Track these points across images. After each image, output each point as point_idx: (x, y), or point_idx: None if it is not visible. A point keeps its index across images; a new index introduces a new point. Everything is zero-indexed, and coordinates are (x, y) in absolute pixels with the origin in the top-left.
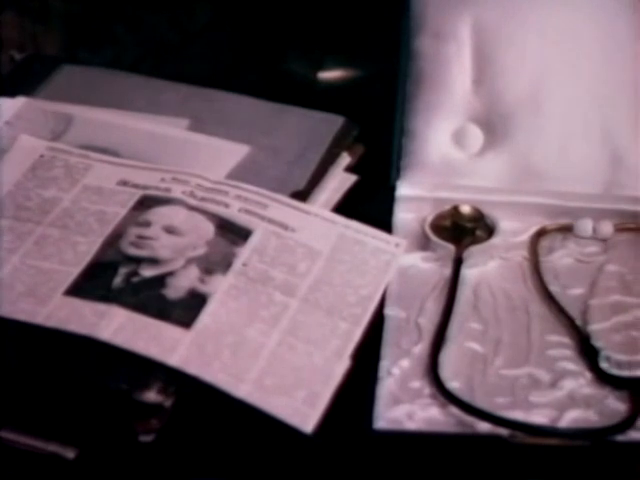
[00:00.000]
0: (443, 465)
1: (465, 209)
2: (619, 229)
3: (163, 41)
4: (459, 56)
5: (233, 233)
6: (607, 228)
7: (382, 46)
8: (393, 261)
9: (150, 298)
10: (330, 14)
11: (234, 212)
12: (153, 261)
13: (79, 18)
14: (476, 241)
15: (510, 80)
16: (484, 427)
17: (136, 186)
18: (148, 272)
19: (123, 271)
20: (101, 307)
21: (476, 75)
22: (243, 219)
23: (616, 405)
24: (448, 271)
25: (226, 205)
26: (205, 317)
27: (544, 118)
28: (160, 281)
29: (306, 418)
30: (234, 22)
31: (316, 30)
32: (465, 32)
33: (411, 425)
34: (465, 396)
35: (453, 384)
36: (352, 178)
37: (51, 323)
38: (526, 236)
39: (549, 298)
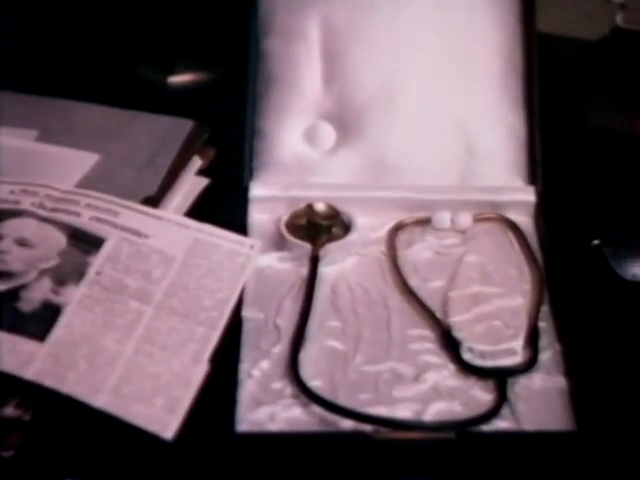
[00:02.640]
0: (308, 465)
1: (320, 207)
2: (478, 219)
3: (9, 53)
4: (308, 55)
5: (85, 242)
6: (465, 219)
7: (232, 48)
8: (248, 263)
9: (4, 312)
10: (178, 19)
11: (85, 221)
12: (5, 275)
13: None
14: (332, 238)
15: (361, 77)
16: (347, 424)
17: None
18: (1, 286)
19: None
20: None
21: (326, 73)
22: (95, 228)
23: (481, 395)
24: (305, 270)
25: (77, 214)
26: (60, 329)
27: (397, 113)
28: (13, 295)
29: (166, 425)
30: (81, 31)
31: (165, 35)
32: (314, 31)
33: (273, 426)
34: (327, 394)
35: (315, 383)
36: (204, 181)
37: None
38: (383, 231)
39: (409, 292)
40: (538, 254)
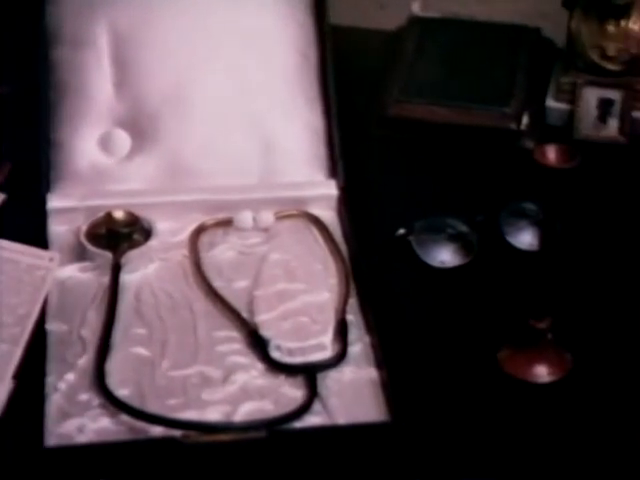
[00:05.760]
0: (120, 474)
1: (118, 214)
2: (280, 217)
3: None
4: (98, 62)
5: None
6: (267, 217)
7: (21, 59)
8: (48, 276)
9: None
10: None
11: None
12: None
13: None
14: (133, 245)
15: (153, 81)
16: (157, 431)
17: None
18: None
19: None
20: None
21: (117, 79)
22: None
23: (292, 393)
24: (107, 279)
25: None
26: None
27: (192, 115)
28: None
29: None
30: None
31: None
32: (102, 38)
33: (82, 438)
34: (136, 402)
35: (122, 392)
36: (0, 197)
37: None
38: (185, 235)
39: (213, 294)
40: (343, 247)
